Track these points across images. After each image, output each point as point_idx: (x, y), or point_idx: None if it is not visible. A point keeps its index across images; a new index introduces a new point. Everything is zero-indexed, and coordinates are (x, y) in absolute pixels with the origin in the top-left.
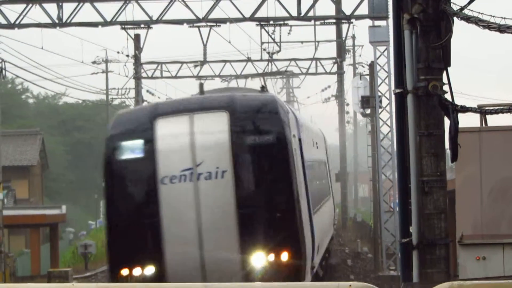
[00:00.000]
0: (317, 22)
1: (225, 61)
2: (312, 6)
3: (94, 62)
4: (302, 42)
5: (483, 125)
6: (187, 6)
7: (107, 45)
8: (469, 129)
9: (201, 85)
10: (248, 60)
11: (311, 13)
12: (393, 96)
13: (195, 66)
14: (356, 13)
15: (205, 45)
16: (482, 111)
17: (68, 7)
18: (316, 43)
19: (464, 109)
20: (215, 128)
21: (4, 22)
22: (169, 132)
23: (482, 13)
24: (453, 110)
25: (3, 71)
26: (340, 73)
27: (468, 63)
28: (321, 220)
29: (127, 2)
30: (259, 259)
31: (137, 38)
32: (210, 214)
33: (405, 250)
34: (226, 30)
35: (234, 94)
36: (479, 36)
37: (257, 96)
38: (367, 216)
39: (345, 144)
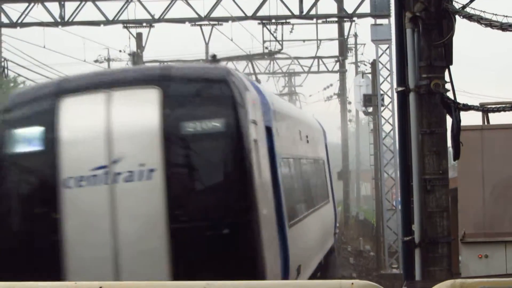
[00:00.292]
0: (319, 21)
1: (227, 60)
2: (314, 4)
3: (96, 61)
4: (304, 40)
5: (485, 123)
6: (189, 4)
7: (109, 44)
8: (471, 127)
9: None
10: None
11: (313, 12)
12: (395, 94)
13: None
14: (358, 11)
15: (207, 44)
16: (484, 109)
17: (70, 6)
18: (318, 41)
19: (466, 107)
20: (141, 111)
21: (6, 21)
22: (77, 116)
23: (484, 12)
24: (455, 108)
25: (5, 70)
26: (342, 72)
27: (469, 62)
28: (310, 232)
29: (129, 0)
30: None
31: (139, 36)
32: (131, 231)
33: (408, 248)
34: (228, 29)
35: (171, 65)
36: (481, 34)
37: (202, 68)
38: (369, 214)
39: (347, 143)
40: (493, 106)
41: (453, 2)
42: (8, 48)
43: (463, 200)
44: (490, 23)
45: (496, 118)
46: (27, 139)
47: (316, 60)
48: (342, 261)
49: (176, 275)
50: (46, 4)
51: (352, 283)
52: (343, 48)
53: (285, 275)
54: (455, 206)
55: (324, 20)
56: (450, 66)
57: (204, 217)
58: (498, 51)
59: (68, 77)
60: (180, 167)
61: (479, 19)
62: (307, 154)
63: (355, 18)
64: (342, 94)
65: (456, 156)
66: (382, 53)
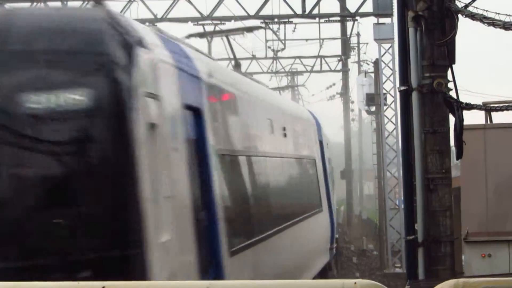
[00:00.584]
0: (322, 20)
1: (230, 59)
2: (317, 3)
3: None
4: (306, 39)
5: (488, 122)
6: (191, 4)
7: None
8: (474, 126)
9: None
10: (253, 58)
11: (315, 11)
12: (398, 94)
13: None
14: (361, 10)
15: (209, 43)
16: (487, 108)
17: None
18: (321, 40)
19: (469, 107)
20: None
21: None
22: None
23: (487, 10)
24: (458, 107)
25: None
26: (345, 71)
27: (472, 60)
28: (279, 254)
29: (132, 0)
30: None
31: None
32: None
33: (411, 247)
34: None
35: (15, 9)
36: (483, 33)
37: (64, 11)
38: (372, 213)
39: (350, 142)
40: (496, 105)
41: (456, 1)
42: None
43: (466, 199)
44: (492, 22)
45: (499, 117)
46: None
47: (318, 59)
48: (345, 261)
49: None
50: (49, 4)
51: (355, 283)
52: (346, 47)
53: None
54: (458, 205)
55: (327, 19)
56: (453, 65)
57: (49, 253)
58: (500, 50)
59: None
60: (13, 170)
61: (482, 18)
62: (283, 151)
63: (357, 17)
64: (344, 93)
65: (459, 155)
66: (385, 52)
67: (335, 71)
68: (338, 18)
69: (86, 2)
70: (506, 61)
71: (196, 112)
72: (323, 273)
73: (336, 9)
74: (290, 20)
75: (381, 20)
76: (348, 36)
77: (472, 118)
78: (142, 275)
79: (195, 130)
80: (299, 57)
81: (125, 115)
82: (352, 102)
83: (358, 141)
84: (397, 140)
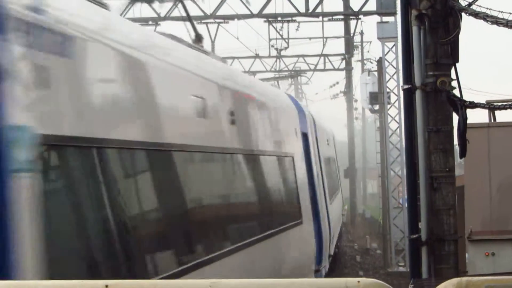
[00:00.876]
0: (325, 18)
1: (233, 58)
2: (320, 2)
3: None
4: (310, 38)
5: (492, 120)
6: (195, 2)
7: None
8: (477, 125)
9: None
10: (256, 56)
11: (319, 9)
12: (401, 92)
13: None
14: (364, 9)
15: (213, 42)
16: (491, 106)
17: None
18: (324, 39)
19: (473, 105)
20: None
21: None
22: None
23: (490, 9)
24: (462, 105)
25: None
26: (348, 69)
27: (475, 59)
28: None
29: None
30: None
31: None
32: None
33: (414, 246)
34: (234, 27)
35: None
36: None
37: None
38: (376, 212)
39: (354, 141)
40: (500, 103)
41: (459, 0)
42: None
43: (470, 198)
44: (496, 21)
45: (503, 116)
46: None
47: (322, 58)
48: (348, 259)
49: None
50: None
51: (359, 281)
52: (349, 46)
53: None
54: (462, 204)
55: (330, 17)
56: (457, 64)
57: None
58: (501, 47)
59: None
60: None
61: (485, 17)
62: (224, 143)
63: (361, 16)
64: (348, 92)
65: (463, 154)
66: (388, 51)
67: (338, 69)
68: (342, 17)
69: None
70: (509, 60)
71: None
72: None
73: (340, 7)
74: (294, 18)
75: (385, 18)
76: (351, 35)
77: (476, 116)
78: None
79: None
80: (303, 56)
81: None
82: (356, 100)
83: (361, 140)
84: (400, 139)
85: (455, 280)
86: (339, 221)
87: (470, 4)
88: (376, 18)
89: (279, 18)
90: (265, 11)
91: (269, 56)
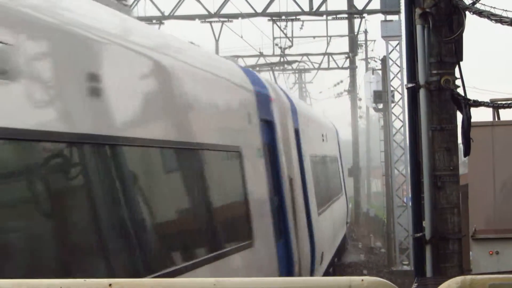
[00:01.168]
0: (329, 17)
1: (237, 56)
2: (324, 1)
3: None
4: (314, 37)
5: (496, 119)
6: (199, 1)
7: None
8: (481, 124)
9: None
10: (261, 55)
11: (323, 8)
12: (405, 91)
13: None
14: (368, 7)
15: (217, 41)
16: (495, 105)
17: None
18: (328, 38)
19: (477, 104)
20: None
21: None
22: None
23: (494, 7)
24: (466, 104)
25: None
26: (352, 68)
27: (479, 58)
28: None
29: None
30: None
31: None
32: None
33: (418, 245)
34: (238, 26)
35: None
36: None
37: None
38: (380, 211)
39: (358, 139)
40: (504, 102)
41: None
42: None
43: (474, 197)
44: (500, 19)
45: (507, 114)
46: None
47: (326, 56)
48: (352, 258)
49: None
50: None
51: (362, 280)
52: (353, 45)
53: None
54: (466, 203)
55: (334, 16)
56: (460, 62)
57: None
58: (505, 46)
59: None
60: None
61: (489, 15)
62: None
63: (365, 15)
64: (352, 90)
65: (467, 153)
66: (392, 50)
67: (342, 68)
68: (346, 16)
69: None
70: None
71: None
72: None
73: (344, 6)
74: (298, 17)
75: (389, 17)
76: (355, 34)
77: (480, 115)
78: None
79: None
80: (307, 54)
81: None
82: (360, 99)
83: (365, 139)
84: (404, 138)
85: (459, 279)
86: (338, 232)
87: (474, 3)
88: (380, 16)
89: (283, 17)
90: (269, 10)
91: (273, 55)
